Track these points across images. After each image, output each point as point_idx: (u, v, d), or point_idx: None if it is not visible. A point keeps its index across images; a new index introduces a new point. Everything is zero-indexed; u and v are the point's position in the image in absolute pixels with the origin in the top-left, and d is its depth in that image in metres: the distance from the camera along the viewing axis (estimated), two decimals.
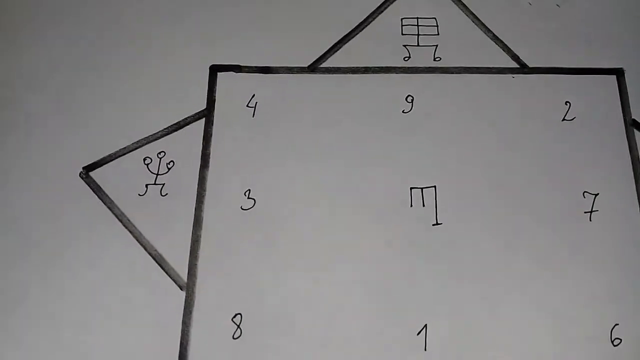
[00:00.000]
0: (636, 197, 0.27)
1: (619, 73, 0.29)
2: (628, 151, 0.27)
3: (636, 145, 0.28)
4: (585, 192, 0.27)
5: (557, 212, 0.26)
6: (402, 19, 0.30)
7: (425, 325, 0.24)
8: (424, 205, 0.27)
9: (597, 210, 0.26)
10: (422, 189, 0.27)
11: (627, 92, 0.29)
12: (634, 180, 0.27)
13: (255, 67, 0.29)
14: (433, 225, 0.26)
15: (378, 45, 0.30)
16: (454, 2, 0.31)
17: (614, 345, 0.24)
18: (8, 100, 0.28)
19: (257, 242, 0.26)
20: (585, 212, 0.26)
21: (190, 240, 0.26)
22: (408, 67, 0.29)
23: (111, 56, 0.29)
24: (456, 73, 0.29)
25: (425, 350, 0.24)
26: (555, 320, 0.24)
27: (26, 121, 0.28)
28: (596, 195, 0.27)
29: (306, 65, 0.29)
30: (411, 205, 0.26)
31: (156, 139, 0.27)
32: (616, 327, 0.24)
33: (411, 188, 0.27)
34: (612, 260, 0.26)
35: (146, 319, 0.24)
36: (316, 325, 0.24)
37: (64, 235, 0.26)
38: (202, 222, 0.26)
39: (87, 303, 0.25)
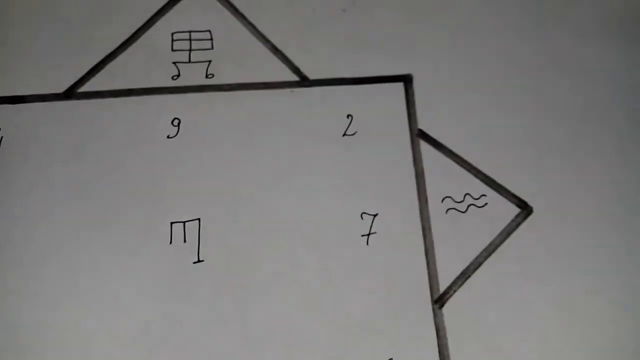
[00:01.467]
0: (418, 215, 0.24)
1: (406, 80, 0.27)
2: (412, 164, 0.25)
3: (421, 157, 0.26)
4: (363, 213, 0.24)
5: (334, 236, 0.24)
6: (172, 34, 0.27)
7: None
8: (185, 242, 0.24)
9: (375, 232, 0.24)
10: (184, 222, 0.24)
11: (414, 101, 0.27)
12: (417, 196, 0.25)
13: (2, 97, 0.26)
14: (194, 263, 0.23)
15: (145, 64, 0.27)
16: (231, 13, 0.28)
17: None
18: None
19: None
20: (362, 235, 0.24)
21: None
22: (176, 87, 0.26)
23: None
24: (229, 90, 0.26)
25: None
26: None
27: None
28: (375, 215, 0.24)
29: (62, 91, 0.26)
30: (170, 243, 0.24)
31: None
32: None
33: (172, 223, 0.24)
34: (391, 284, 0.23)
35: None
36: None
37: None
38: None
39: None
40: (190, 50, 0.27)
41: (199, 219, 0.24)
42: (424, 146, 0.26)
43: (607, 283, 0.24)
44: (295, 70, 0.27)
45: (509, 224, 0.24)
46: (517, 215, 0.25)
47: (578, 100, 0.27)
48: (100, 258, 0.23)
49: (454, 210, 0.25)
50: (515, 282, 0.23)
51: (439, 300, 0.23)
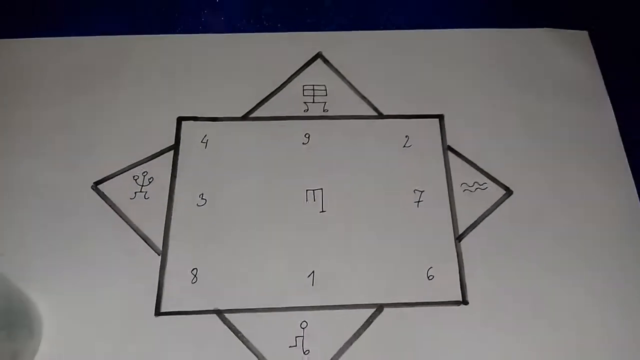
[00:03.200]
0: (447, 193, 0.43)
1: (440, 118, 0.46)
2: (443, 164, 0.44)
3: (449, 161, 0.44)
4: (415, 189, 0.43)
5: (398, 202, 0.42)
6: (303, 86, 0.47)
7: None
8: (314, 200, 0.42)
9: (422, 200, 0.42)
10: (314, 190, 0.42)
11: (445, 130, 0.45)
12: (446, 182, 0.43)
13: (206, 117, 0.45)
14: (320, 212, 0.41)
15: (289, 102, 0.46)
16: (338, 75, 0.47)
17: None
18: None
19: (204, 227, 0.40)
20: (414, 202, 0.42)
21: (164, 224, 0.40)
22: (307, 116, 0.45)
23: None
24: (337, 119, 0.45)
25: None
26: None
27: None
28: (422, 191, 0.42)
29: (240, 115, 0.45)
30: (306, 201, 0.42)
31: (143, 162, 0.42)
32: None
33: (306, 190, 0.42)
34: (431, 228, 0.41)
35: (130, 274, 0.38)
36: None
37: (75, 229, 0.40)
38: (172, 213, 0.41)
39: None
40: (313, 95, 0.46)
41: (321, 189, 0.42)
42: (452, 156, 0.44)
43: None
44: (374, 108, 0.46)
45: (500, 198, 0.42)
46: (503, 195, 0.43)
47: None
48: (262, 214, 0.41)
49: (468, 190, 0.43)
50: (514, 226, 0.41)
51: (460, 238, 0.41)
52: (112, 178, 0.42)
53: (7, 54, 0.47)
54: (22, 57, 0.47)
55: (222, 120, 0.45)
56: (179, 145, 0.43)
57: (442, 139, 0.45)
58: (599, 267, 0.40)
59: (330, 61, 0.47)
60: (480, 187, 0.43)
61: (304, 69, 0.47)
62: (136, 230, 0.40)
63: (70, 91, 0.45)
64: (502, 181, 0.43)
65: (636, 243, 0.41)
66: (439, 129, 0.45)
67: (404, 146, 0.44)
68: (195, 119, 0.44)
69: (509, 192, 0.42)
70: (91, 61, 0.46)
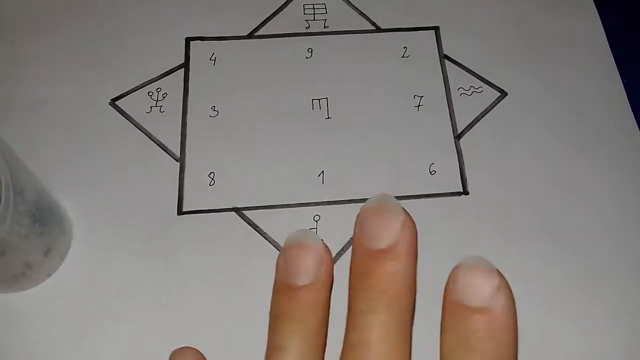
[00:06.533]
0: (445, 96, 0.45)
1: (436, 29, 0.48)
2: (441, 73, 0.46)
3: (446, 70, 0.46)
4: (415, 95, 0.45)
5: (400, 104, 0.45)
6: (303, 5, 0.49)
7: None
8: (320, 108, 0.44)
9: (422, 105, 0.45)
10: (319, 99, 0.45)
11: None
12: (444, 86, 0.45)
13: (213, 37, 0.47)
14: (326, 118, 0.44)
15: (291, 21, 0.48)
16: None
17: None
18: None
19: (218, 136, 0.43)
20: (414, 106, 0.45)
21: (180, 134, 0.43)
22: (309, 32, 0.47)
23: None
24: (337, 34, 0.47)
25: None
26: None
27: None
28: (422, 97, 0.45)
29: (245, 34, 0.47)
30: (312, 109, 0.44)
31: (156, 80, 0.45)
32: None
33: (312, 99, 0.45)
34: (431, 128, 0.44)
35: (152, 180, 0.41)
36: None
37: (97, 142, 0.42)
38: (186, 124, 0.43)
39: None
40: (314, 13, 0.48)
41: (326, 97, 0.45)
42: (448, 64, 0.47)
43: None
44: (373, 23, 0.48)
45: (496, 99, 0.45)
46: (498, 97, 0.45)
47: None
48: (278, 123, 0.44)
49: (464, 94, 0.45)
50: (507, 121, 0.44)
51: (459, 136, 0.43)
52: (128, 94, 0.44)
53: None
54: None
55: (228, 39, 0.47)
56: (189, 63, 0.45)
57: (438, 48, 0.47)
58: (591, 158, 0.43)
59: None
60: (477, 90, 0.45)
61: None
62: (154, 140, 0.42)
63: (84, 19, 0.47)
64: (496, 84, 0.45)
65: (625, 133, 0.43)
66: (435, 40, 0.47)
67: (402, 57, 0.46)
68: (202, 38, 0.46)
69: (503, 93, 0.45)
70: None
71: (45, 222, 0.36)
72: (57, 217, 0.38)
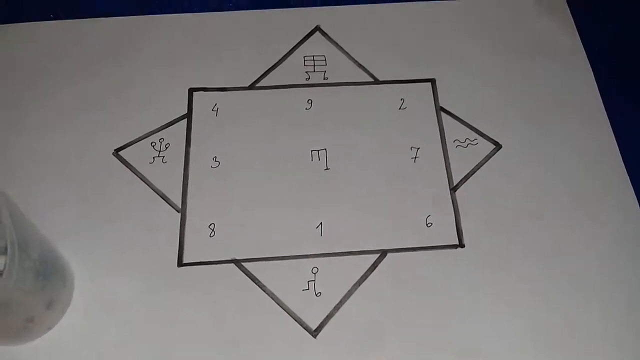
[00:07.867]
0: (441, 149, 0.46)
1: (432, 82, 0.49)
2: (437, 124, 0.47)
3: (442, 121, 0.47)
4: (412, 147, 0.46)
5: (398, 157, 0.45)
6: (304, 57, 0.50)
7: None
8: (319, 160, 0.45)
9: (419, 157, 0.46)
10: (318, 150, 0.46)
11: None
12: (440, 140, 0.46)
13: (215, 87, 0.48)
14: (324, 170, 0.45)
15: (290, 72, 0.49)
16: (336, 47, 0.51)
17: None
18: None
19: (219, 186, 0.44)
20: (411, 158, 0.46)
21: (182, 185, 0.44)
22: (309, 83, 0.49)
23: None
24: (335, 86, 0.49)
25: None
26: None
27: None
28: (418, 148, 0.46)
29: (247, 85, 0.48)
30: (312, 160, 0.45)
31: (159, 130, 0.46)
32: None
33: (311, 150, 0.46)
34: (428, 181, 0.45)
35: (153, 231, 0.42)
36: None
37: (100, 192, 0.43)
38: (188, 175, 0.44)
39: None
40: (314, 65, 0.50)
41: (325, 148, 0.46)
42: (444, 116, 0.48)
43: None
44: (371, 75, 0.49)
45: (491, 152, 0.46)
46: (493, 149, 0.46)
47: None
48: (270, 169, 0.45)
49: (460, 146, 0.46)
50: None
51: (455, 188, 0.44)
52: (131, 145, 0.45)
53: (30, 37, 0.50)
54: (44, 39, 0.50)
55: (230, 90, 0.48)
56: (192, 113, 0.47)
57: (434, 100, 0.48)
58: (583, 209, 0.43)
59: (328, 33, 0.51)
60: (472, 142, 0.46)
61: (304, 42, 0.50)
62: (156, 191, 0.43)
63: (90, 69, 0.48)
64: (491, 136, 0.46)
65: (617, 186, 0.44)
66: (432, 92, 0.48)
67: (400, 108, 0.48)
68: (205, 89, 0.48)
69: (498, 146, 0.46)
70: (107, 40, 0.50)
71: (48, 275, 0.36)
72: (60, 270, 0.38)
